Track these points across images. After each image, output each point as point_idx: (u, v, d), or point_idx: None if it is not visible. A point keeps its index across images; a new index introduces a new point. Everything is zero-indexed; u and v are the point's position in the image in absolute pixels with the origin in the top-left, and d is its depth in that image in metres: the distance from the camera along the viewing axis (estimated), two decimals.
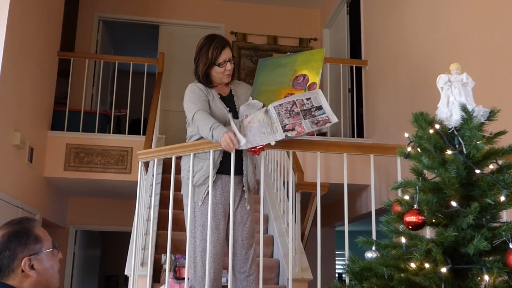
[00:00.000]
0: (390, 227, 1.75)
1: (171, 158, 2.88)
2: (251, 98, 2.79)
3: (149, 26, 7.44)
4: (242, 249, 2.76)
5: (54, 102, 5.66)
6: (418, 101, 4.34)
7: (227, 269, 2.89)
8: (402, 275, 1.63)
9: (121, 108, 6.23)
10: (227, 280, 2.82)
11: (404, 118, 4.27)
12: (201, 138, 2.75)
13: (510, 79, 3.22)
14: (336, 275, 7.39)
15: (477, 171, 1.63)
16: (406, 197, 1.71)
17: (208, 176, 2.69)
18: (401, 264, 1.62)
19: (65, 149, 5.33)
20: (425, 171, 1.75)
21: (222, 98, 2.83)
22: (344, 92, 6.26)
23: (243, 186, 2.80)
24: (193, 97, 2.76)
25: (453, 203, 1.60)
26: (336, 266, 7.19)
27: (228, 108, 2.77)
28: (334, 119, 2.54)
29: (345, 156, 2.78)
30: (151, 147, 4.20)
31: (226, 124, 2.66)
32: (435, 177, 1.71)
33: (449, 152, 1.67)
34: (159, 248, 3.69)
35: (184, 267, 2.98)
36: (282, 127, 2.53)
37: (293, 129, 2.52)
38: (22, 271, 1.55)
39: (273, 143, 2.52)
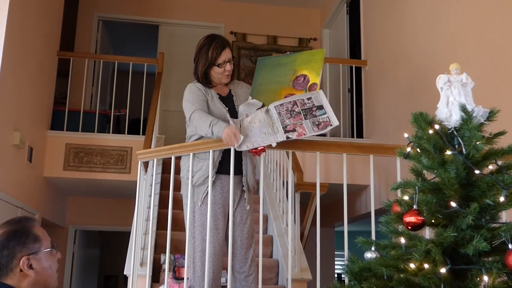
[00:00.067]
0: (389, 228, 1.75)
1: (171, 158, 2.88)
2: (250, 97, 2.78)
3: (149, 26, 7.44)
4: (242, 249, 2.76)
5: (54, 102, 5.66)
6: (418, 101, 4.34)
7: (226, 269, 2.89)
8: (401, 275, 1.63)
9: (120, 108, 6.24)
10: (226, 280, 2.82)
11: (404, 118, 4.27)
12: (201, 138, 2.75)
13: (510, 79, 3.22)
14: (336, 275, 7.38)
15: (477, 172, 1.63)
16: (406, 198, 1.70)
17: (208, 176, 2.69)
18: (400, 265, 1.62)
19: (65, 149, 5.33)
20: (424, 172, 1.75)
21: (221, 98, 2.82)
22: (344, 92, 6.26)
23: (243, 186, 2.80)
24: (191, 97, 2.75)
25: (453, 204, 1.59)
26: (336, 266, 7.19)
27: (227, 108, 2.77)
28: (335, 121, 2.53)
29: (345, 156, 2.77)
30: (150, 147, 4.20)
31: None
32: (434, 178, 1.71)
33: (448, 152, 1.67)
34: (159, 248, 3.69)
35: (184, 267, 2.98)
36: (283, 127, 2.53)
37: (294, 130, 2.51)
38: (21, 270, 1.55)
39: (274, 144, 2.52)
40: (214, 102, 2.78)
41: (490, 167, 1.67)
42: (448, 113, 1.75)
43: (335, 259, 7.09)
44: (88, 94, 6.59)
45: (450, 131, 1.73)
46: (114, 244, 8.55)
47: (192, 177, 2.72)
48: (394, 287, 1.61)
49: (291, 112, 2.56)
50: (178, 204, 3.57)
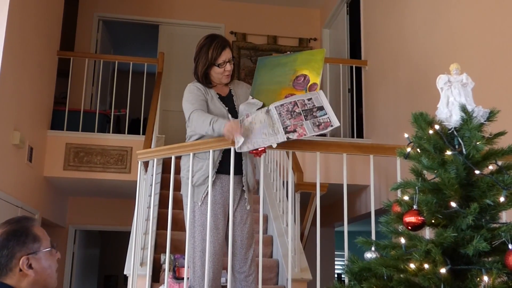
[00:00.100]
0: (389, 228, 1.75)
1: (171, 158, 2.88)
2: (250, 97, 2.78)
3: (149, 26, 7.44)
4: (242, 249, 2.76)
5: (54, 101, 5.66)
6: (418, 102, 4.34)
7: (226, 269, 2.89)
8: (401, 275, 1.63)
9: (120, 108, 6.24)
10: (226, 280, 2.81)
11: (404, 118, 4.27)
12: (201, 138, 2.75)
13: (510, 80, 3.22)
14: (336, 276, 7.38)
15: (477, 172, 1.63)
16: (406, 198, 1.70)
17: (208, 176, 2.69)
18: (400, 265, 1.62)
19: (65, 149, 5.33)
20: (424, 172, 1.75)
21: (221, 98, 2.82)
22: (344, 92, 6.26)
23: (243, 186, 2.80)
24: (190, 97, 2.76)
25: (453, 204, 1.59)
26: (336, 267, 7.18)
27: (227, 108, 2.77)
28: (336, 122, 2.53)
29: (345, 157, 2.77)
30: (150, 147, 4.20)
31: None
32: (434, 178, 1.71)
33: (448, 152, 1.67)
34: (159, 248, 3.69)
35: (184, 267, 2.98)
36: (283, 128, 2.52)
37: (294, 131, 2.51)
38: (20, 270, 1.55)
39: (274, 145, 2.52)
40: (213, 102, 2.78)
41: (490, 167, 1.67)
42: (448, 113, 1.74)
43: (335, 259, 7.09)
44: (88, 94, 6.59)
45: (450, 131, 1.73)
46: (114, 244, 8.55)
47: (192, 177, 2.72)
48: (394, 287, 1.61)
49: (292, 113, 2.56)
50: (178, 204, 3.57)
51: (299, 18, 7.54)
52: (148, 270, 2.97)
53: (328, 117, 2.54)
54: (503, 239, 1.52)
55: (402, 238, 1.68)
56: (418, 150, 1.76)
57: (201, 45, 2.79)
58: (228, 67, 2.78)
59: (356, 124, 5.83)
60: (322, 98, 2.60)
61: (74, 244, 6.56)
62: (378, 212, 2.40)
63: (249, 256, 2.77)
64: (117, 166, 5.36)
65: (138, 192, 3.26)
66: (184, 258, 2.89)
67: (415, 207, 1.64)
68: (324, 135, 5.64)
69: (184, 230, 2.90)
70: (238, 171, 2.76)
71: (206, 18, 7.32)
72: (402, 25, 4.82)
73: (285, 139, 2.51)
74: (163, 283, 3.07)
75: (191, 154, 2.72)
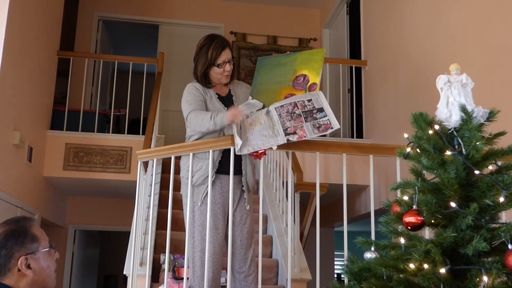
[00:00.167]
0: (389, 228, 1.75)
1: (170, 158, 2.88)
2: (250, 97, 2.78)
3: (148, 26, 7.44)
4: (241, 249, 2.76)
5: (54, 101, 5.66)
6: (418, 102, 4.34)
7: (226, 269, 2.89)
8: (401, 275, 1.62)
9: (120, 108, 6.24)
10: (226, 280, 2.81)
11: (404, 118, 4.27)
12: (201, 138, 2.75)
13: (509, 80, 3.22)
14: (335, 276, 7.38)
15: (477, 172, 1.63)
16: (405, 198, 1.70)
17: (208, 176, 2.68)
18: (400, 265, 1.62)
19: (65, 149, 5.33)
20: (424, 172, 1.75)
21: (221, 98, 2.82)
22: (344, 92, 6.25)
23: (242, 186, 2.80)
24: (189, 97, 2.76)
25: (452, 204, 1.59)
26: (335, 267, 7.19)
27: (226, 108, 2.77)
28: (336, 124, 2.53)
29: (345, 157, 2.77)
30: (150, 147, 4.20)
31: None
32: (434, 178, 1.71)
33: (448, 152, 1.67)
34: (158, 248, 3.68)
35: (183, 267, 2.98)
36: (283, 130, 2.52)
37: (294, 133, 2.51)
38: (19, 270, 1.54)
39: (274, 147, 2.52)
40: (212, 102, 2.78)
41: (490, 167, 1.67)
42: (448, 113, 1.74)
43: (335, 259, 7.09)
44: (88, 94, 6.59)
45: (450, 131, 1.73)
46: (114, 244, 8.55)
47: (192, 177, 2.72)
48: (394, 287, 1.60)
49: (292, 114, 2.55)
50: (178, 204, 3.57)
51: (299, 18, 7.54)
52: (147, 270, 2.96)
53: (328, 119, 2.54)
54: (503, 239, 1.52)
55: (401, 238, 1.68)
56: (418, 150, 1.76)
57: (201, 45, 2.79)
58: (228, 67, 2.78)
59: (356, 124, 5.83)
60: (322, 100, 2.60)
61: (73, 244, 6.56)
62: (378, 212, 2.40)
63: (248, 256, 2.77)
64: (116, 166, 5.36)
65: (137, 192, 3.26)
66: (183, 258, 2.89)
67: (414, 207, 1.64)
68: (324, 135, 5.64)
69: (184, 230, 2.90)
70: (238, 171, 2.76)
71: (206, 18, 7.32)
72: (402, 25, 4.82)
73: (285, 141, 2.51)
74: (163, 283, 3.07)
75: (191, 154, 2.72)
